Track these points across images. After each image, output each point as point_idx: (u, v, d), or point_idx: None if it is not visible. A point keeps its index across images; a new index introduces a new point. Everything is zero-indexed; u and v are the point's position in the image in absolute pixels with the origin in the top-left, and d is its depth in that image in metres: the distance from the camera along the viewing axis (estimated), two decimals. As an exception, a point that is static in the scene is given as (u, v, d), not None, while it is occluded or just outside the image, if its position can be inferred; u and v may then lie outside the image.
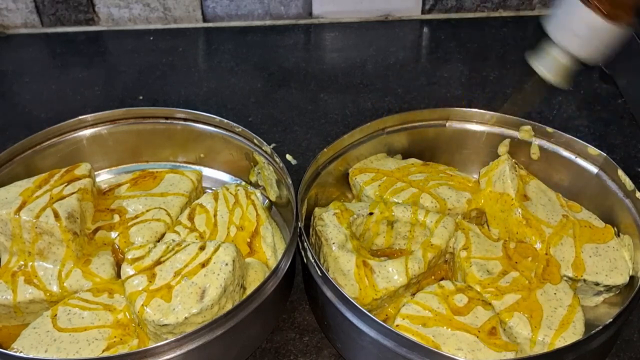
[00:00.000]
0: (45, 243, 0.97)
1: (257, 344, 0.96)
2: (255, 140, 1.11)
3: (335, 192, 1.14)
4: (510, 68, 1.52)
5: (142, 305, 0.88)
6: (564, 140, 1.09)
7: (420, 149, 1.17)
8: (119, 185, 1.13)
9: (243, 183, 1.17)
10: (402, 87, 1.47)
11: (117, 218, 1.06)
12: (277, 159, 1.06)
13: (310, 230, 1.05)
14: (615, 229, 1.03)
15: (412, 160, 1.16)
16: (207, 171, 1.20)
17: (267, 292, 0.89)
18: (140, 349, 0.82)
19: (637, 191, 0.99)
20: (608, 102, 1.41)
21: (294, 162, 1.26)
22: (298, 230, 0.96)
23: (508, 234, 1.04)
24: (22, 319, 0.98)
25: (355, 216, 1.03)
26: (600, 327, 0.83)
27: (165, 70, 1.53)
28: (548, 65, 1.00)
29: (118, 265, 1.00)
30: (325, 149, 1.07)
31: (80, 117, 1.15)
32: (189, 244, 0.95)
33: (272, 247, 1.04)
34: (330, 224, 1.00)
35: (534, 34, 1.63)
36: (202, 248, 0.94)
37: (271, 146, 1.09)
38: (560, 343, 0.88)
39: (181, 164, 1.21)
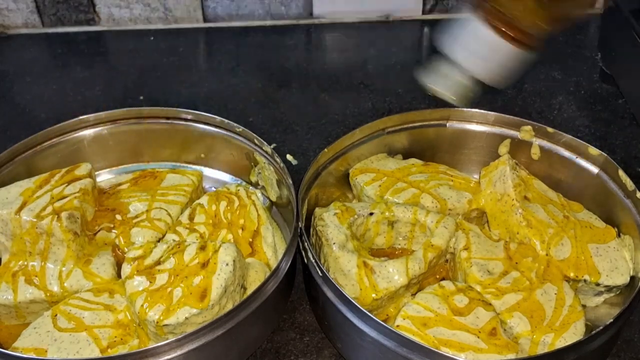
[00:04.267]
0: (46, 243, 0.97)
1: (257, 344, 0.96)
2: (255, 141, 1.11)
3: (335, 193, 1.14)
4: (511, 68, 1.52)
5: (143, 305, 0.88)
6: (565, 141, 1.09)
7: (420, 149, 1.17)
8: (120, 185, 1.13)
9: (244, 183, 1.17)
10: (403, 87, 1.47)
11: (117, 218, 1.06)
12: (278, 159, 1.06)
13: (311, 230, 1.05)
14: (616, 229, 1.03)
15: (413, 160, 1.16)
16: (207, 171, 1.20)
17: (268, 292, 0.89)
18: (141, 349, 0.82)
19: (637, 191, 0.99)
20: (608, 102, 1.41)
21: (294, 162, 1.26)
22: (299, 230, 0.96)
23: (509, 235, 1.04)
24: (23, 319, 0.98)
25: (355, 216, 1.03)
26: (601, 328, 0.83)
27: (166, 70, 1.53)
28: (447, 86, 0.96)
29: (119, 265, 1.00)
30: (325, 149, 1.07)
31: (81, 117, 1.15)
32: (189, 244, 0.95)
33: (272, 247, 1.04)
34: (331, 224, 1.00)
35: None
36: (202, 248, 0.94)
37: (272, 146, 1.09)
38: (561, 343, 0.88)
39: (182, 164, 1.21)
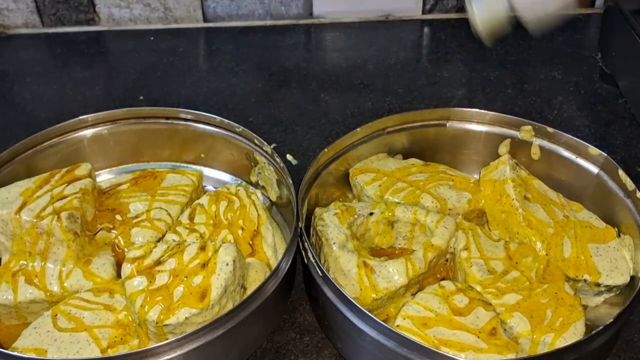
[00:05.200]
0: (46, 243, 0.97)
1: (257, 344, 0.96)
2: (255, 140, 1.11)
3: (335, 192, 1.14)
4: (511, 68, 1.52)
5: (142, 305, 0.88)
6: (565, 140, 1.09)
7: (420, 149, 1.17)
8: (120, 185, 1.13)
9: (244, 183, 1.17)
10: (403, 87, 1.47)
11: (117, 218, 1.06)
12: (278, 159, 1.06)
13: (311, 230, 1.05)
14: (616, 229, 1.03)
15: (413, 160, 1.16)
16: (207, 171, 1.20)
17: (268, 292, 0.89)
18: (141, 349, 0.82)
19: (637, 191, 0.99)
20: (609, 102, 1.41)
21: (294, 162, 1.26)
22: (299, 230, 0.96)
23: (509, 235, 1.04)
24: (23, 319, 0.98)
25: (355, 216, 1.03)
26: (601, 328, 0.83)
27: (166, 70, 1.53)
28: (484, 11, 0.96)
29: (119, 265, 1.00)
30: (325, 149, 1.07)
31: (80, 117, 1.15)
32: (189, 244, 0.95)
33: (272, 247, 1.04)
34: (331, 224, 1.00)
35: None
36: (202, 248, 0.94)
37: (272, 146, 1.09)
38: (561, 343, 0.88)
39: (182, 164, 1.21)
